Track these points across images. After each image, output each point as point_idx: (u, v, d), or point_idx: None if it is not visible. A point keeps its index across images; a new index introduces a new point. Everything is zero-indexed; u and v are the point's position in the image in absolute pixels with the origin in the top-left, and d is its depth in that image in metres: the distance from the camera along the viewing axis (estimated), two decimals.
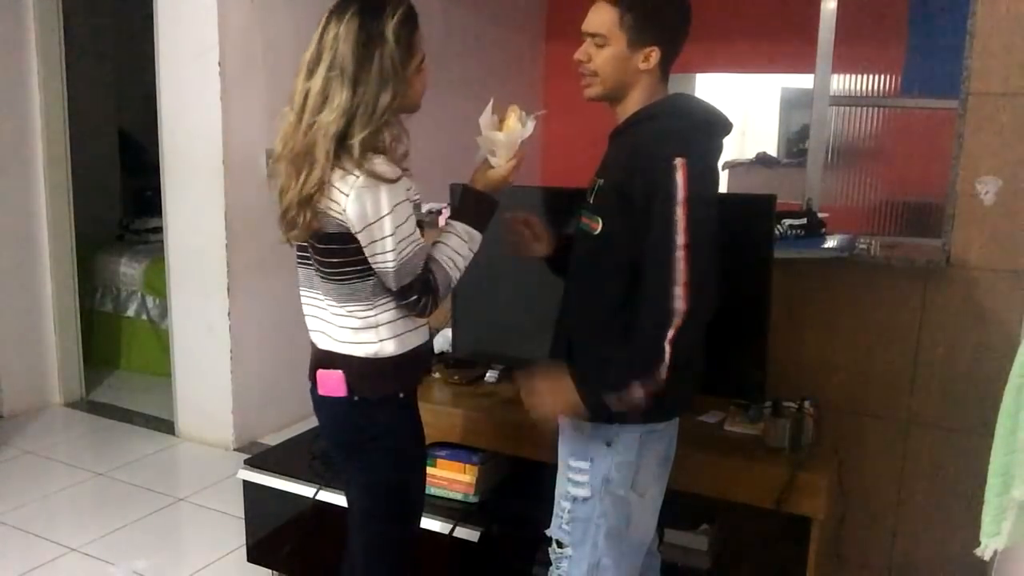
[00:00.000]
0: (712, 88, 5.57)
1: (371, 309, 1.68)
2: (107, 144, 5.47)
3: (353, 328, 1.69)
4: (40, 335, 4.24)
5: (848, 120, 4.69)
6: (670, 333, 1.51)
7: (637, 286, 1.59)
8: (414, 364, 1.78)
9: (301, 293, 1.79)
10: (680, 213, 1.52)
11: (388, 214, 1.57)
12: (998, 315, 2.24)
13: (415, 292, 1.65)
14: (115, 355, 4.94)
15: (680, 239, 1.52)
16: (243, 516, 2.63)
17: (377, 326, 1.68)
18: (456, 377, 2.51)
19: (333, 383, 1.71)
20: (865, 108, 4.74)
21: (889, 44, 4.69)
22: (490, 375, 2.54)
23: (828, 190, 4.39)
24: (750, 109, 5.76)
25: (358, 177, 1.56)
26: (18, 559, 2.85)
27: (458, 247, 1.72)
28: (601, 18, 1.63)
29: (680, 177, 1.52)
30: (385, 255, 1.60)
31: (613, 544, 1.71)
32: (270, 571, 2.66)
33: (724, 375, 2.05)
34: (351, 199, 1.56)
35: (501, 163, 1.71)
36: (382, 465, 1.77)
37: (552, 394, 1.63)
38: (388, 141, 1.63)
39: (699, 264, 1.53)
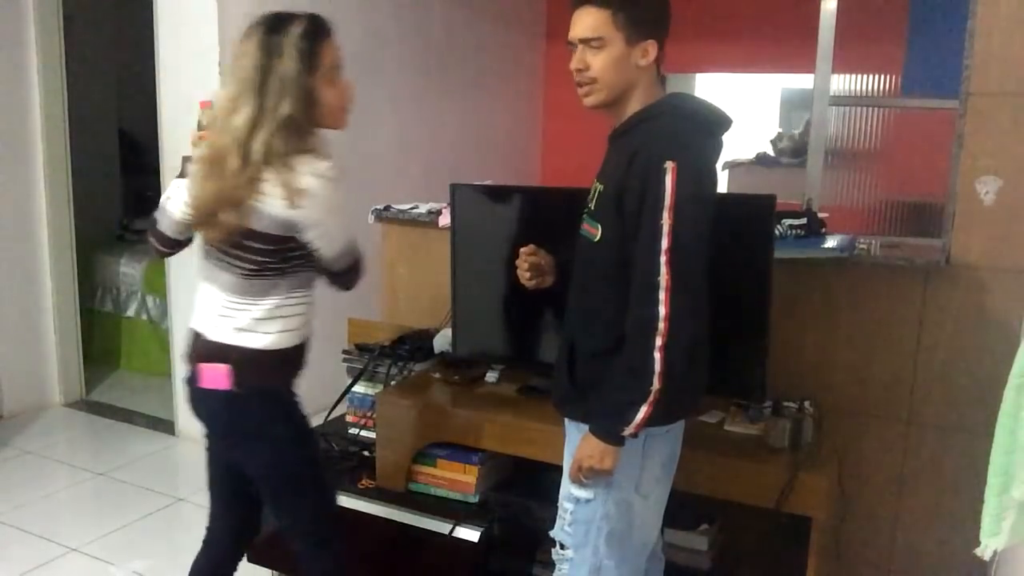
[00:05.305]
0: (712, 88, 5.58)
1: (283, 303, 1.77)
2: (107, 144, 5.47)
3: (257, 318, 1.76)
4: (40, 335, 4.24)
5: (848, 120, 4.69)
6: (658, 341, 1.51)
7: None
8: (297, 359, 1.86)
9: (202, 286, 1.84)
10: (666, 217, 1.52)
11: (336, 207, 1.72)
12: (998, 315, 2.24)
13: (358, 267, 1.85)
14: (115, 355, 4.95)
15: (664, 243, 1.51)
16: None
17: (275, 318, 1.77)
18: (456, 377, 2.51)
19: (218, 376, 1.78)
20: (865, 108, 4.75)
21: (889, 44, 4.69)
22: (490, 375, 2.54)
23: (828, 190, 4.39)
24: (750, 109, 5.75)
25: (304, 176, 1.66)
26: (18, 559, 2.85)
27: None
28: (593, 21, 1.61)
29: (669, 181, 1.52)
30: (333, 244, 1.76)
31: (615, 547, 1.71)
32: (270, 571, 2.65)
33: (724, 375, 2.05)
34: (307, 197, 1.66)
35: None
36: (268, 454, 1.85)
37: (590, 458, 1.62)
38: (310, 147, 1.71)
39: (684, 268, 1.52)
